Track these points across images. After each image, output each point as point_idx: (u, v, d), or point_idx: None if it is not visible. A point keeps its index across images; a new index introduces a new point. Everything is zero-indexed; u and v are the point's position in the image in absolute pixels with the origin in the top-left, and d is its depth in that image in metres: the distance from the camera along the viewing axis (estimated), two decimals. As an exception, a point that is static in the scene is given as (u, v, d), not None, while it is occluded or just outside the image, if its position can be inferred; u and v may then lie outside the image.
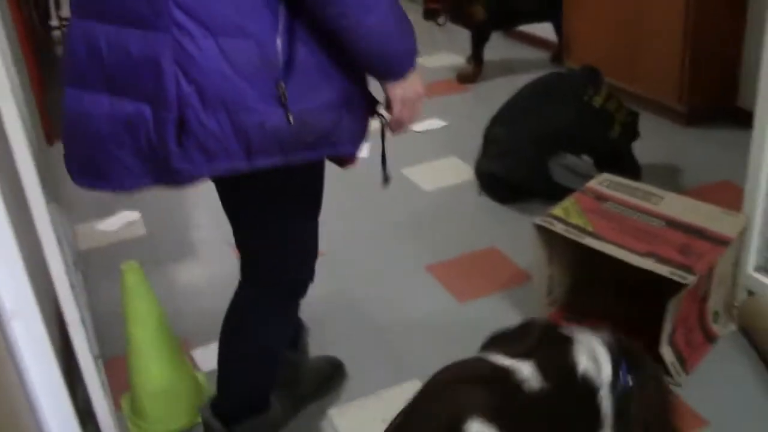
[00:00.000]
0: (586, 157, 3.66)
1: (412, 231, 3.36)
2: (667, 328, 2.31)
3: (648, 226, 2.47)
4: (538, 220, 2.52)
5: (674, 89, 4.14)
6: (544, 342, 1.67)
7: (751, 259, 2.60)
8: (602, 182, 2.75)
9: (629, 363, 1.66)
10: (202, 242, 3.39)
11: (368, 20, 1.56)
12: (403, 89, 1.72)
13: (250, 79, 1.53)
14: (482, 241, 3.21)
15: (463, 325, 2.71)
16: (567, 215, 2.54)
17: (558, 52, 5.35)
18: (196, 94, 1.51)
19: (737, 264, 2.59)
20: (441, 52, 5.69)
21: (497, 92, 4.88)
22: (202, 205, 3.65)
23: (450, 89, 5.07)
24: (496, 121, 3.61)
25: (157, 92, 1.53)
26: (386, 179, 1.86)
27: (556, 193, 3.37)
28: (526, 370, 1.55)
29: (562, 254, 2.63)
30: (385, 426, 1.56)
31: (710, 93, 4.17)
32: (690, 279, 2.23)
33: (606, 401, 1.61)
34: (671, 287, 2.27)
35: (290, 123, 1.57)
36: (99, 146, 1.61)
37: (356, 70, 1.68)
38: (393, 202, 3.53)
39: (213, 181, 1.79)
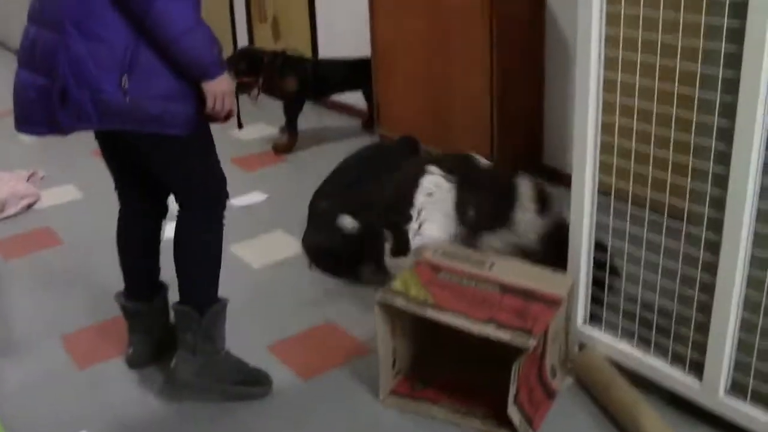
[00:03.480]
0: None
1: (247, 312, 3.32)
2: (512, 389, 2.39)
3: (484, 293, 2.56)
4: (379, 297, 2.55)
5: (484, 152, 4.33)
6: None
7: (580, 313, 2.74)
8: (436, 251, 2.82)
9: None
10: None
11: (184, 39, 2.30)
12: (213, 86, 2.41)
13: (105, 69, 2.30)
14: (318, 315, 3.21)
15: (308, 402, 2.71)
16: (406, 288, 2.58)
17: (368, 120, 5.50)
18: (72, 76, 2.29)
19: (568, 320, 2.72)
20: (255, 123, 5.66)
21: (314, 161, 4.97)
22: None
23: (267, 161, 5.09)
24: (321, 194, 3.65)
25: (53, 71, 2.30)
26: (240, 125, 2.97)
27: (383, 262, 3.45)
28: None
29: (404, 326, 2.68)
30: None
31: (517, 154, 4.39)
32: (530, 342, 2.32)
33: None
34: (513, 349, 2.36)
35: (127, 103, 2.32)
36: (28, 105, 2.41)
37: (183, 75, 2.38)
38: (224, 283, 3.46)
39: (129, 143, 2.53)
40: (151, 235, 2.85)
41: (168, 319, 2.94)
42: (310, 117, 5.59)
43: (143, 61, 2.32)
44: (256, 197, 4.45)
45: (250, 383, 2.76)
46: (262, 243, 3.92)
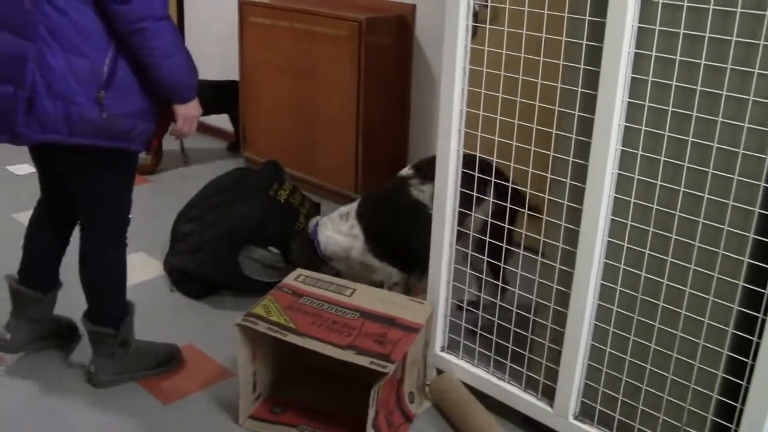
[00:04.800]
0: (272, 248, 3.76)
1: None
2: (371, 414, 2.43)
3: (345, 319, 2.60)
4: (240, 320, 2.55)
5: (350, 180, 4.40)
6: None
7: (438, 340, 2.81)
8: (297, 278, 2.84)
9: None
10: None
11: (167, 63, 2.39)
12: (185, 109, 2.55)
13: (82, 84, 2.34)
14: (179, 338, 3.17)
15: (168, 427, 2.66)
16: (268, 313, 2.59)
17: (234, 143, 5.48)
18: (44, 86, 2.32)
19: (426, 346, 2.78)
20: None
21: (178, 183, 4.92)
22: None
23: (130, 182, 4.99)
24: (184, 217, 3.62)
25: (19, 79, 2.32)
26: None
27: (247, 286, 3.45)
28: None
29: (265, 350, 2.68)
30: None
31: (381, 183, 4.45)
32: (389, 367, 2.37)
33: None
34: (372, 375, 2.40)
35: (102, 119, 2.38)
36: None
37: (154, 93, 2.47)
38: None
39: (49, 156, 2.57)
40: (64, 233, 2.88)
41: (52, 312, 3.01)
42: (175, 138, 5.53)
43: (121, 77, 2.40)
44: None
45: (165, 363, 2.96)
46: (122, 265, 3.84)
